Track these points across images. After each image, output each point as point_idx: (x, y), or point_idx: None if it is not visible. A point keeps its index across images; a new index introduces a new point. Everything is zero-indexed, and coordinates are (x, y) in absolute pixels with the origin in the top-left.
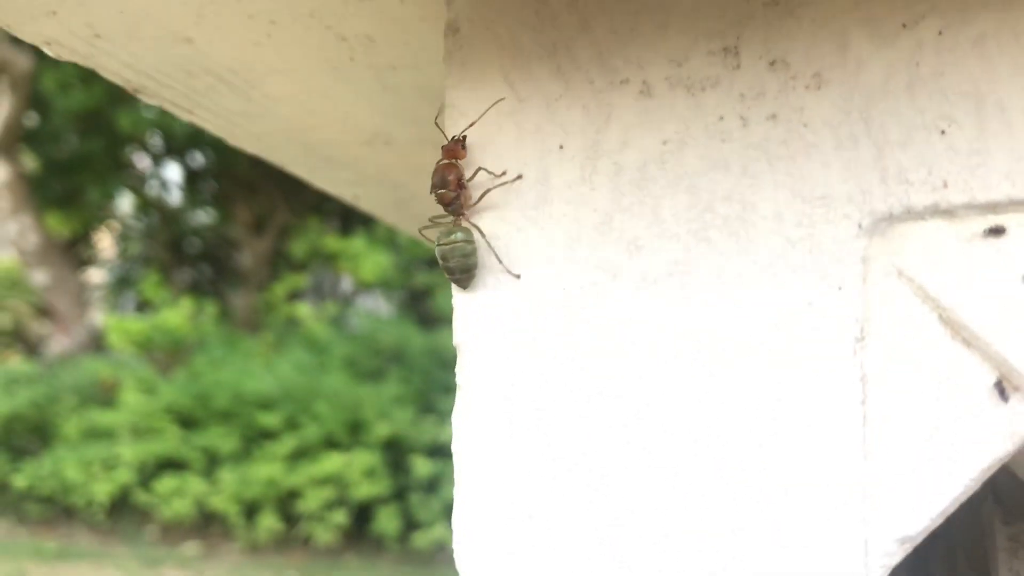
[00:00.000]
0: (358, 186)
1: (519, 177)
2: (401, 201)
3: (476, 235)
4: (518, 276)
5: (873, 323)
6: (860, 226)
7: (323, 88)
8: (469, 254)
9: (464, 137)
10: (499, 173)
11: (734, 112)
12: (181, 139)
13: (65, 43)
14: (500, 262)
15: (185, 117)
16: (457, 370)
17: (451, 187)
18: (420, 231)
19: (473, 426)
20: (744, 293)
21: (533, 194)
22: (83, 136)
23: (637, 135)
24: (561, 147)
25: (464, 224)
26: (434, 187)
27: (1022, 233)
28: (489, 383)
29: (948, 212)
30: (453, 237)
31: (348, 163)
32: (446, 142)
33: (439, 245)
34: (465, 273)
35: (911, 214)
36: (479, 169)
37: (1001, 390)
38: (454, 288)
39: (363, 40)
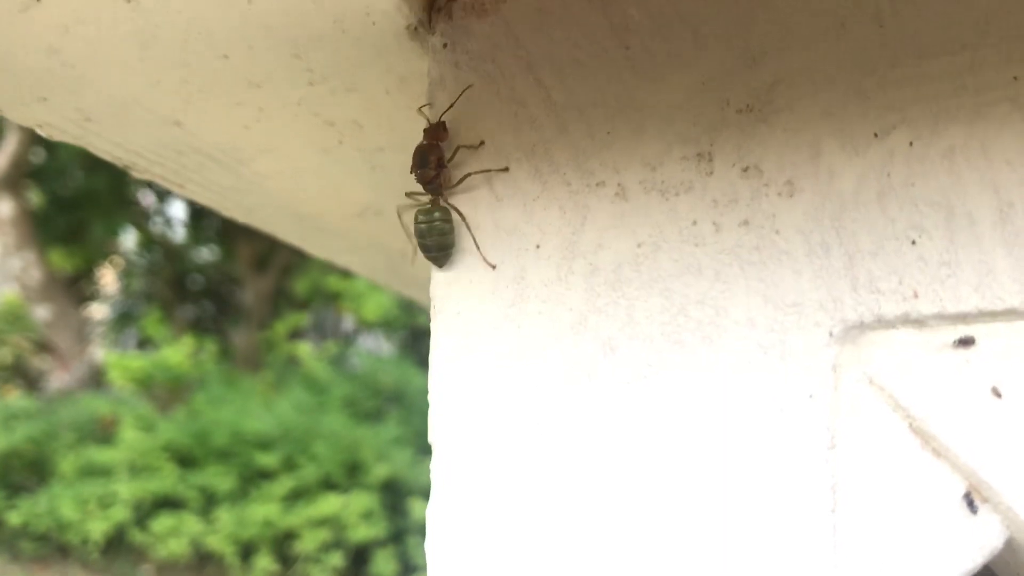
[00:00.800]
0: (351, 253)
1: (506, 169)
2: (394, 265)
3: (454, 215)
4: (494, 266)
5: (844, 431)
6: (831, 334)
7: (312, 167)
8: (447, 232)
9: (445, 121)
10: (476, 144)
11: (707, 217)
12: None
13: (56, 125)
14: (478, 248)
15: (176, 190)
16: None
17: (431, 167)
18: (398, 209)
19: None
20: (716, 398)
21: (510, 292)
22: (88, 172)
23: (612, 237)
24: (538, 246)
25: (443, 204)
26: (415, 166)
27: (991, 344)
28: (465, 480)
29: (918, 322)
30: (432, 216)
31: (340, 232)
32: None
33: (417, 223)
34: (442, 251)
35: (882, 323)
36: (459, 147)
37: (970, 502)
38: (432, 271)
39: (351, 125)
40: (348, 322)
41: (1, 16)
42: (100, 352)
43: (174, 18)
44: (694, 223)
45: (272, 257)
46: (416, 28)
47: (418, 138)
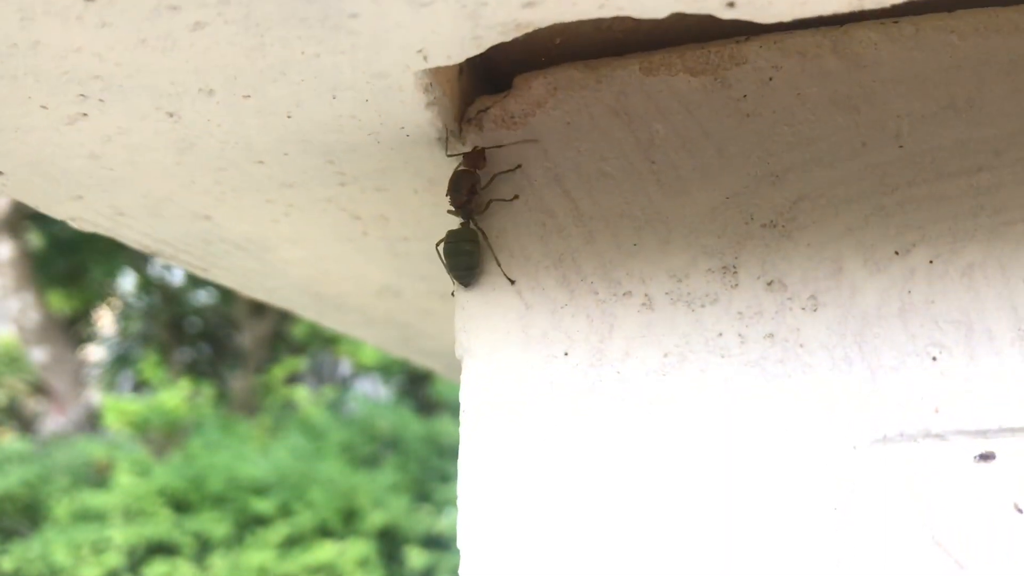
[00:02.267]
0: (366, 327)
1: (515, 198)
2: (407, 338)
3: (481, 238)
4: (513, 281)
5: (868, 543)
6: (855, 447)
7: (335, 254)
8: (472, 253)
9: (485, 149)
10: (510, 199)
11: (733, 329)
12: None
13: (89, 219)
14: (499, 265)
15: (200, 274)
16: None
17: (464, 192)
18: (436, 245)
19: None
20: (743, 509)
21: (545, 400)
22: None
23: (639, 346)
24: (566, 354)
25: (472, 227)
26: (449, 190)
27: (1012, 460)
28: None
29: (939, 436)
30: (460, 236)
31: (357, 309)
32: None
33: (445, 243)
34: (470, 271)
35: (904, 437)
36: (494, 176)
37: None
38: (457, 291)
39: (377, 219)
40: (345, 366)
41: (48, 128)
42: (96, 395)
43: (213, 130)
44: (720, 335)
45: None
46: (447, 139)
47: (442, 229)
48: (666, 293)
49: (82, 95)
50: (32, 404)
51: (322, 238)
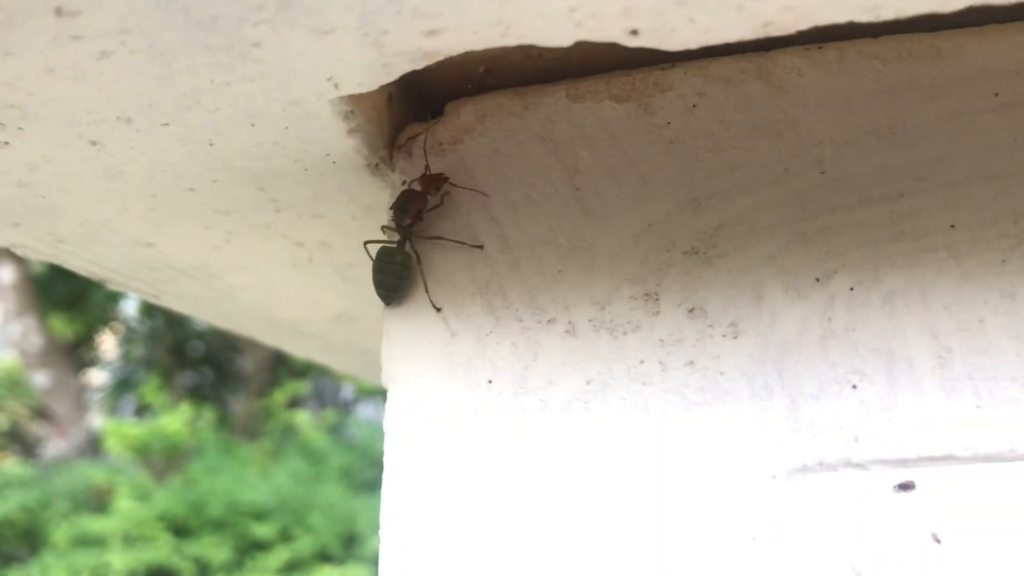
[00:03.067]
0: (329, 352)
1: (480, 247)
2: (372, 363)
3: (414, 261)
4: (439, 309)
5: (788, 574)
6: (774, 476)
7: (285, 279)
8: (401, 275)
9: (447, 179)
10: (474, 245)
11: (654, 356)
12: None
13: (31, 247)
14: (427, 292)
15: (152, 301)
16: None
17: (410, 215)
18: (364, 244)
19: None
20: (659, 538)
21: (468, 428)
22: None
23: (562, 374)
24: (490, 381)
25: (407, 249)
26: (395, 206)
27: (931, 490)
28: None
29: (859, 465)
30: (394, 258)
31: (316, 334)
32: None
33: (379, 260)
34: (396, 292)
35: (824, 466)
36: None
37: None
38: (384, 309)
39: (320, 245)
40: (347, 390)
41: None
42: (98, 419)
43: (137, 158)
44: (641, 362)
45: None
46: (377, 165)
47: None
48: (589, 320)
49: (1, 123)
50: (34, 428)
51: (268, 264)
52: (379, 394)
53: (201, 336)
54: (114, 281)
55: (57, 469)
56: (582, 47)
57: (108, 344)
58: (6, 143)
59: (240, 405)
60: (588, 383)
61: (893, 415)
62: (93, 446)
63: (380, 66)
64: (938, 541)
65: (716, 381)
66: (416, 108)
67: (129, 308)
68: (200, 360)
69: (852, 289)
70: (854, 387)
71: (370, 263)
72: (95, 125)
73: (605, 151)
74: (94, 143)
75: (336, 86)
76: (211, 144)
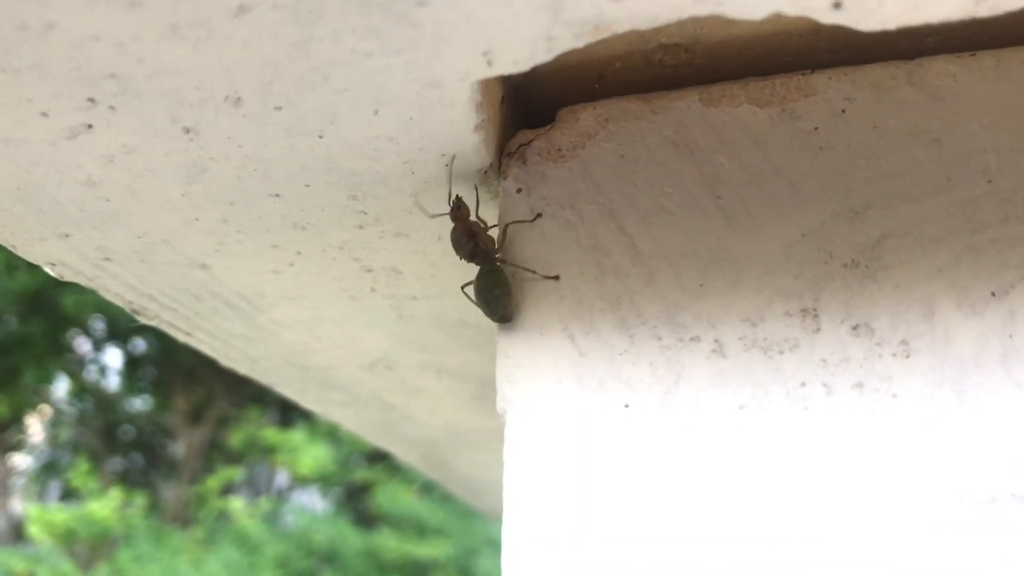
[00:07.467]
0: (347, 407)
1: (556, 278)
2: (389, 422)
3: (509, 273)
4: (557, 277)
5: None
6: (959, 509)
7: (334, 315)
8: (501, 290)
9: (459, 199)
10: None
11: (817, 378)
12: (124, 324)
13: (71, 265)
14: (534, 272)
15: (181, 338)
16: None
17: (465, 241)
18: (462, 288)
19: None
20: None
21: (601, 458)
22: (23, 318)
23: (711, 398)
24: (627, 406)
25: (495, 267)
26: (456, 248)
27: None
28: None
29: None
30: (484, 280)
31: (342, 385)
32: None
33: (476, 284)
34: (504, 309)
35: (1015, 498)
36: (508, 225)
37: None
38: (498, 331)
39: (389, 272)
40: (283, 477)
41: (44, 141)
42: (21, 504)
43: (231, 152)
44: (803, 384)
45: (208, 409)
46: (486, 172)
47: (454, 286)
48: (739, 338)
49: (91, 99)
50: None
51: (324, 295)
52: (315, 482)
53: (132, 420)
54: (148, 312)
55: None
56: (710, 48)
57: (35, 427)
58: (89, 126)
59: (172, 491)
60: (741, 408)
61: None
62: (15, 532)
63: (544, 39)
64: None
65: (888, 405)
66: (517, 117)
67: (59, 390)
68: (131, 444)
69: None
70: None
71: (436, 296)
72: (198, 107)
73: (747, 157)
74: (188, 130)
75: (490, 63)
76: (320, 136)
